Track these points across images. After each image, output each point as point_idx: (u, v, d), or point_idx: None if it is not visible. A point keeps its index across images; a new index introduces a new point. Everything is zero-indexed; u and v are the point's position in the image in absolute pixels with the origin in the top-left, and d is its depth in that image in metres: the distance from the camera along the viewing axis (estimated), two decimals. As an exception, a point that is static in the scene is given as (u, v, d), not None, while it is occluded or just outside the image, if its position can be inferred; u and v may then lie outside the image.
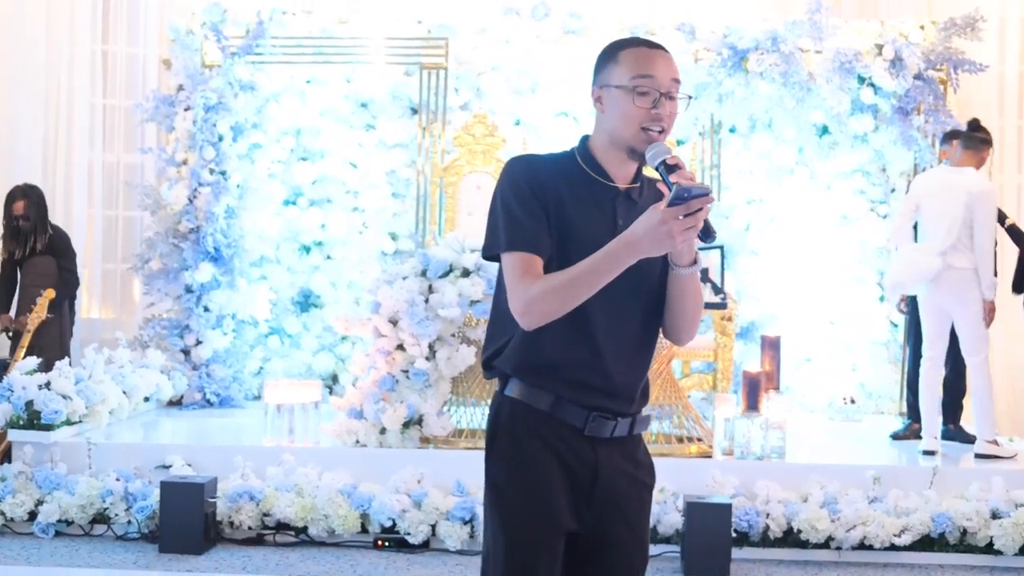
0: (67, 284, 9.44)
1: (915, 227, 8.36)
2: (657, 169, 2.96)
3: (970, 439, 8.37)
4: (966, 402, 8.60)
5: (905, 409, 9.55)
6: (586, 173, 3.13)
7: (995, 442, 8.09)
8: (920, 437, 8.26)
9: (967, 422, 8.66)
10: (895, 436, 8.76)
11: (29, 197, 9.50)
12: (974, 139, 8.21)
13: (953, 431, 8.55)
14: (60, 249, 9.50)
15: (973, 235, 8.01)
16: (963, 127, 9.18)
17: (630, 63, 3.07)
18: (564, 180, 3.09)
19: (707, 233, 2.85)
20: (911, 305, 8.60)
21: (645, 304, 3.15)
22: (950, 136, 8.78)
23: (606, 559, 3.18)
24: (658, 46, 3.11)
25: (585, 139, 3.18)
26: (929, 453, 8.07)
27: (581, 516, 3.13)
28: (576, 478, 3.12)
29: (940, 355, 8.26)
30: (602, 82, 3.12)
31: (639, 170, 3.18)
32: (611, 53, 3.12)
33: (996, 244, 8.42)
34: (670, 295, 3.15)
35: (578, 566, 3.19)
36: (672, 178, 2.87)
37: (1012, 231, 8.76)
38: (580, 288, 2.96)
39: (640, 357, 3.18)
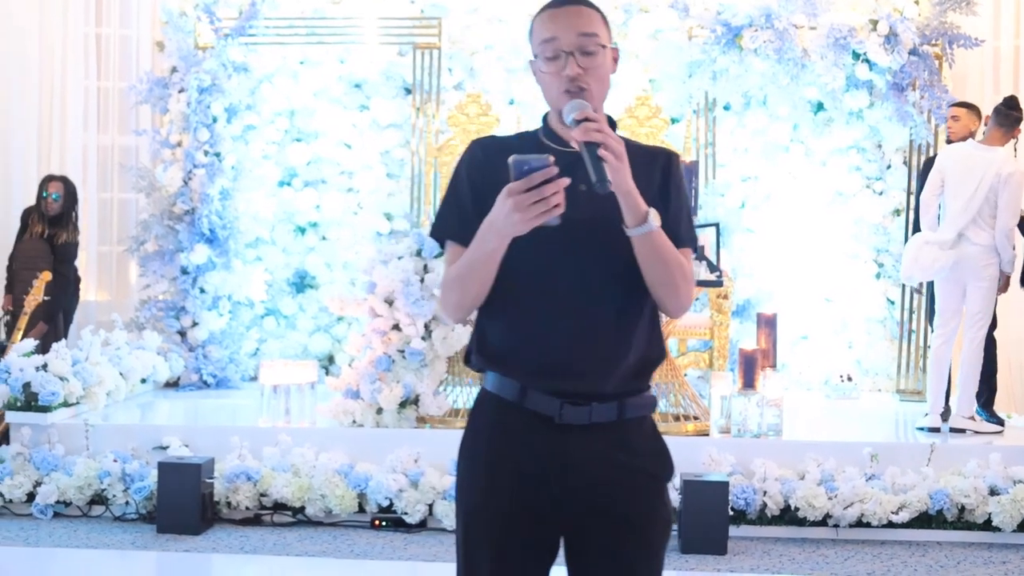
0: (64, 292, 9.40)
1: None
2: (569, 126, 2.82)
3: (999, 421, 8.32)
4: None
5: (904, 387, 9.61)
6: (548, 147, 2.93)
7: (973, 418, 8.09)
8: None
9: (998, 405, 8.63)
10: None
11: (66, 184, 9.70)
12: (1010, 117, 8.10)
13: (984, 412, 8.44)
14: (63, 254, 9.49)
15: (996, 213, 7.98)
16: (956, 100, 9.16)
17: (537, 30, 2.96)
18: None
19: (603, 182, 2.68)
20: (929, 285, 8.56)
21: (618, 277, 2.88)
22: (965, 107, 8.73)
23: (597, 560, 2.94)
24: (565, 2, 2.94)
25: (545, 115, 3.06)
26: (933, 430, 8.07)
27: (554, 513, 2.91)
28: (541, 472, 2.90)
29: (954, 332, 8.23)
30: (532, 56, 3.03)
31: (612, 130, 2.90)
32: (530, 24, 3.02)
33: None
34: (639, 262, 2.86)
35: (579, 567, 2.98)
36: (573, 133, 2.74)
37: (1022, 224, 8.71)
38: (468, 277, 2.86)
39: (615, 335, 2.91)
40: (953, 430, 8.07)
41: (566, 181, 2.65)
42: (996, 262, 8.02)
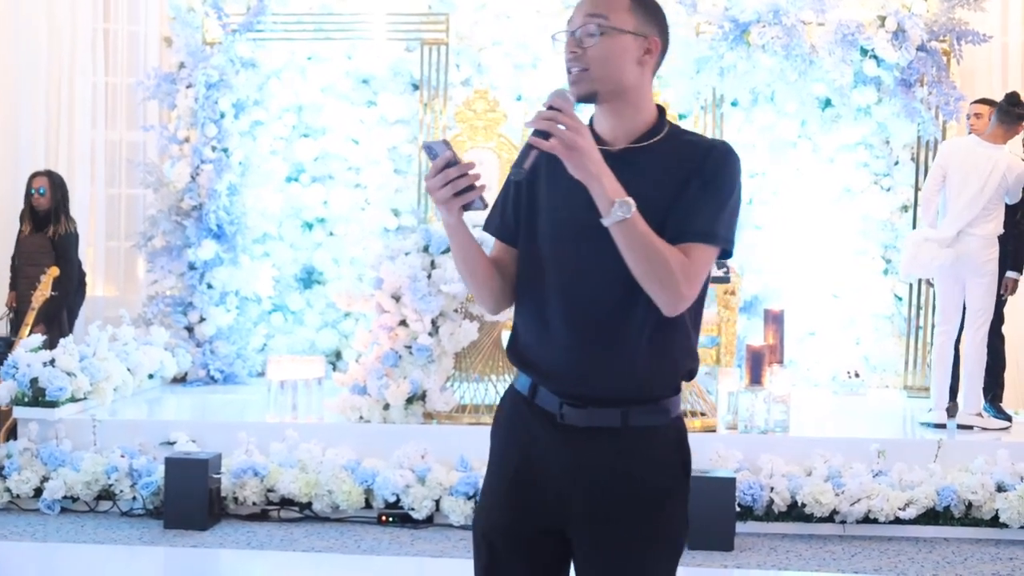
0: (66, 289, 9.31)
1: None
2: None
3: (1007, 418, 8.32)
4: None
5: (911, 383, 9.60)
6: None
7: (980, 414, 8.10)
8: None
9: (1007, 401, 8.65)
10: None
11: (51, 177, 9.57)
12: (1011, 114, 8.07)
13: (992, 408, 8.45)
14: (60, 249, 9.43)
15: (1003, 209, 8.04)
16: (966, 98, 9.16)
17: None
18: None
19: (518, 167, 2.67)
20: None
21: (624, 279, 2.77)
22: (987, 104, 8.74)
23: (586, 567, 2.92)
24: None
25: None
26: (938, 426, 8.08)
27: (555, 514, 2.90)
28: (543, 470, 2.90)
29: (956, 328, 8.25)
30: None
31: (658, 125, 2.91)
32: None
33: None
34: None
35: (577, 571, 2.96)
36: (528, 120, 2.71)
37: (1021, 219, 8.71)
38: (457, 268, 2.95)
39: (618, 339, 2.84)
40: (960, 427, 8.08)
41: (471, 165, 2.70)
42: (996, 257, 8.03)
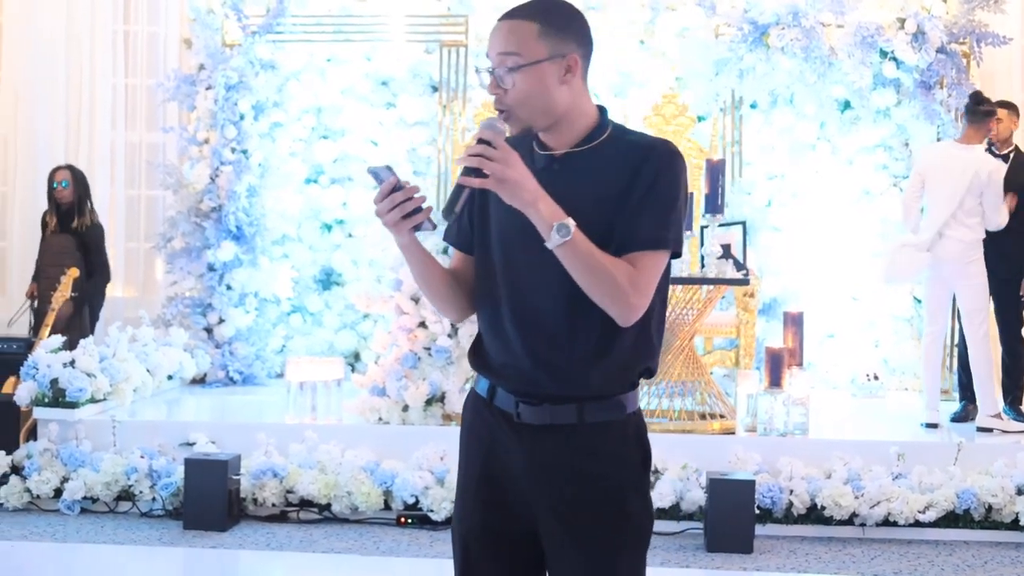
0: (94, 286, 9.39)
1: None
2: None
3: None
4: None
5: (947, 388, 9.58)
6: (532, 148, 2.95)
7: (999, 416, 8.10)
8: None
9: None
10: (953, 419, 8.55)
11: (72, 171, 9.61)
12: (977, 113, 8.13)
13: (1012, 410, 8.44)
14: (91, 241, 9.49)
15: (984, 212, 8.02)
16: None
17: None
18: None
19: (449, 210, 2.77)
20: None
21: (567, 284, 2.79)
22: (1005, 107, 8.74)
23: (553, 564, 2.96)
24: (504, 16, 2.93)
25: None
26: (930, 426, 8.11)
27: (520, 512, 2.96)
28: (504, 470, 2.96)
29: (943, 330, 8.34)
30: None
31: (600, 127, 2.92)
32: None
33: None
34: None
35: (551, 566, 2.99)
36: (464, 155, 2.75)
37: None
38: (415, 279, 3.03)
39: (569, 338, 2.87)
40: (980, 429, 8.08)
41: (416, 188, 2.79)
42: (979, 258, 8.05)
